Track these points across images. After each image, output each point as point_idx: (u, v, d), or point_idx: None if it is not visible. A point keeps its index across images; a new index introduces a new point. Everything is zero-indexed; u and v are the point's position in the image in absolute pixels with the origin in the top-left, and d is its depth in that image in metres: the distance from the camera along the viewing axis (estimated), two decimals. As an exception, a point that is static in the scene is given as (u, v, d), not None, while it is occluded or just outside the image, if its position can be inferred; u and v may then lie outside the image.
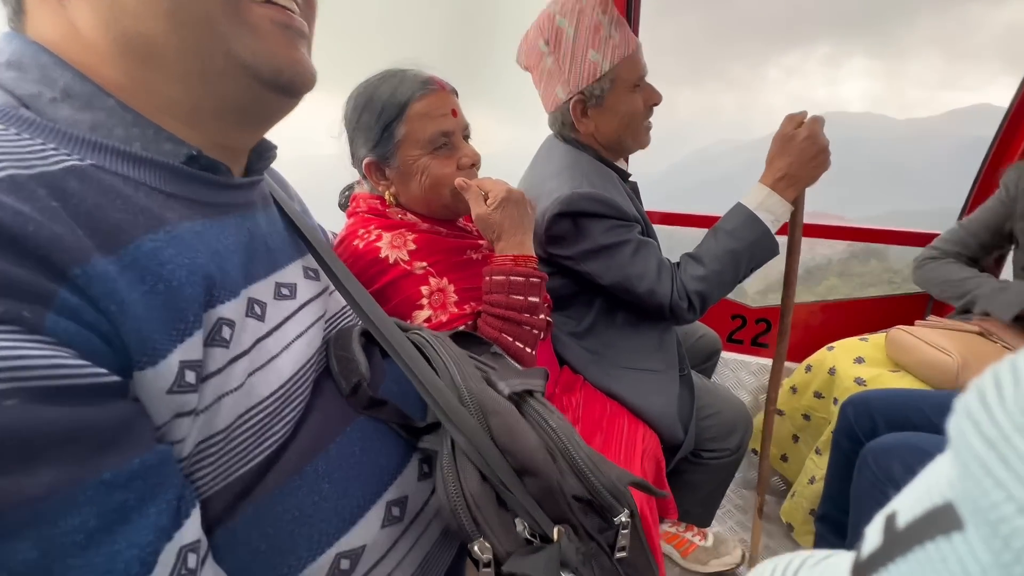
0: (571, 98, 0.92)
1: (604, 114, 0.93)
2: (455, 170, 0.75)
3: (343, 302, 0.52)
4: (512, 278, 0.71)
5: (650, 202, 1.58)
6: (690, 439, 0.97)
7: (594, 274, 0.90)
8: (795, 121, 0.84)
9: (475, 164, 0.77)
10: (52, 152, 0.30)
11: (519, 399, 0.48)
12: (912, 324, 1.18)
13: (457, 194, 0.74)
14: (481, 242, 0.84)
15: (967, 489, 0.13)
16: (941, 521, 0.14)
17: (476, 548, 0.37)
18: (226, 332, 0.35)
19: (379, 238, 0.72)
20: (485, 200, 0.72)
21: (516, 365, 0.60)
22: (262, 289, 0.41)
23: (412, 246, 0.72)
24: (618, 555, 0.43)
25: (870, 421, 0.98)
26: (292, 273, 0.46)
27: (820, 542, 1.06)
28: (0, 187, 0.26)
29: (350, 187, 0.89)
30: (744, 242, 0.86)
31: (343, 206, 0.89)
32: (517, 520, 0.41)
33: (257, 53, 0.35)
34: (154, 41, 0.33)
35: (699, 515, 1.11)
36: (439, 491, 0.40)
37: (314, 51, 0.42)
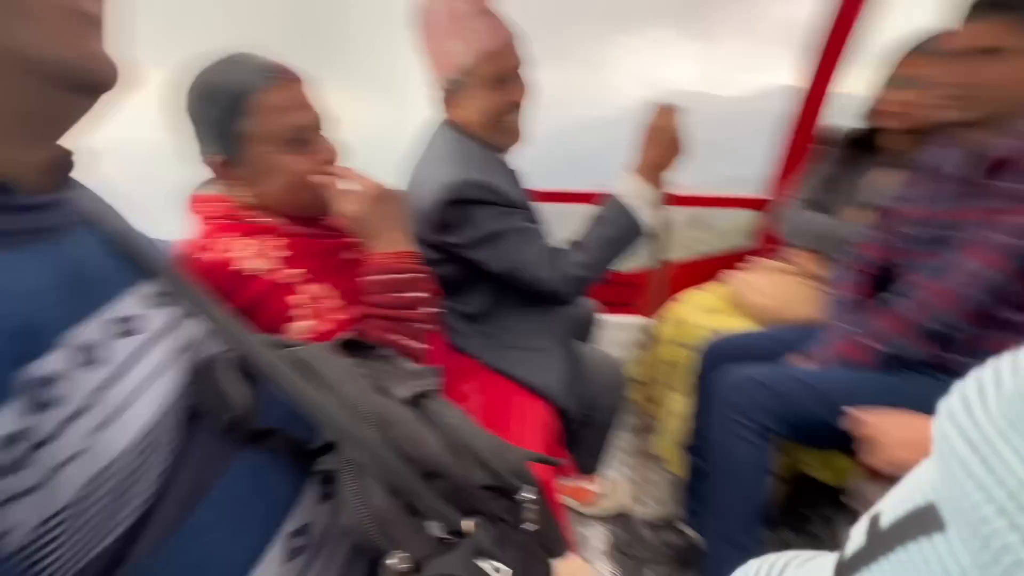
0: (441, 87, 0.92)
1: (468, 105, 0.94)
2: (312, 165, 0.69)
3: (199, 328, 0.46)
4: (393, 277, 0.69)
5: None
6: (581, 395, 1.07)
7: (483, 261, 0.92)
8: (661, 112, 0.92)
9: (334, 159, 0.72)
10: None
11: (415, 402, 0.48)
12: (741, 271, 1.41)
13: (319, 191, 0.69)
14: (353, 240, 0.80)
15: (949, 490, 0.13)
16: (923, 522, 0.14)
17: (391, 562, 0.37)
18: (50, 391, 0.29)
19: (235, 247, 0.65)
20: (351, 197, 0.68)
21: (407, 365, 0.59)
22: (93, 330, 0.34)
23: (280, 253, 0.66)
24: (529, 528, 0.46)
25: (716, 360, 1.16)
26: (131, 304, 0.39)
27: (690, 467, 1.24)
28: None
29: (196, 186, 0.78)
30: (619, 229, 0.94)
31: (186, 209, 0.78)
32: (429, 523, 0.41)
33: (43, 44, 0.29)
34: None
35: (589, 466, 1.23)
36: (343, 512, 0.39)
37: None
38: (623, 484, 1.38)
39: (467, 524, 0.42)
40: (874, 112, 1.24)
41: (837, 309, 1.09)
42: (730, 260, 1.68)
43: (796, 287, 1.28)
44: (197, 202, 0.70)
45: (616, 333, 1.64)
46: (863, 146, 1.30)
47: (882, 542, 0.15)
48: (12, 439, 0.26)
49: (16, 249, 0.31)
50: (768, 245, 1.58)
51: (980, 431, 0.13)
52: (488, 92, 0.91)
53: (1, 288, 0.29)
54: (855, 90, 1.40)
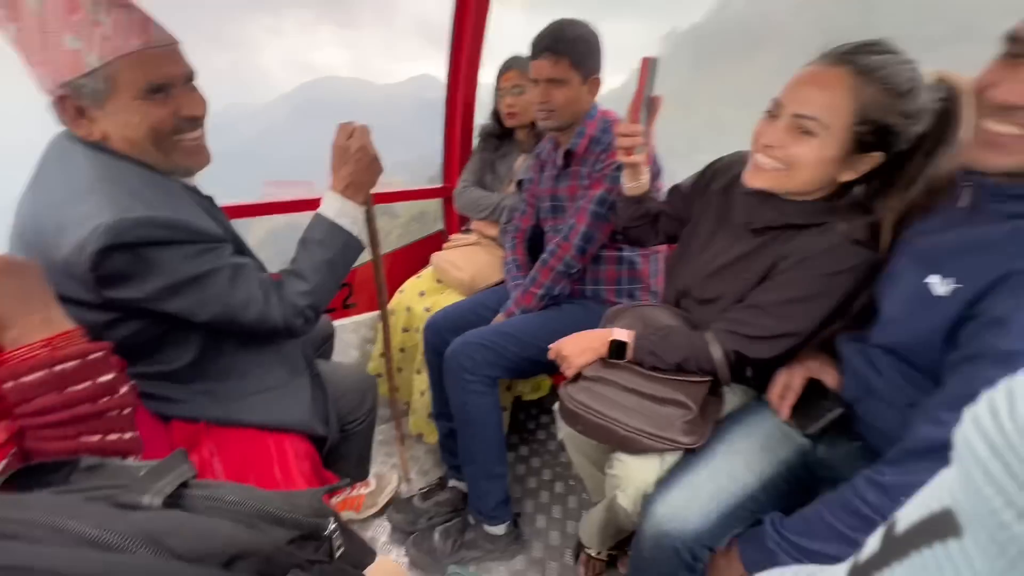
0: (55, 92, 0.69)
1: (112, 122, 0.72)
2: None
3: None
4: (56, 369, 0.53)
5: None
6: (333, 427, 1.03)
7: (184, 312, 0.76)
8: (347, 132, 0.94)
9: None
10: None
11: (176, 499, 0.43)
12: (441, 250, 1.63)
13: None
14: None
15: (968, 496, 0.13)
16: (939, 527, 0.14)
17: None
18: None
19: None
20: None
21: (129, 464, 0.50)
22: None
23: None
24: (339, 555, 0.49)
25: (441, 336, 1.35)
26: None
27: (440, 431, 1.41)
28: None
29: None
30: (335, 249, 0.92)
31: None
32: None
33: None
34: None
35: (358, 474, 1.25)
36: None
37: None
38: (388, 473, 1.46)
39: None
40: (496, 113, 1.62)
41: (510, 270, 1.43)
42: (430, 245, 1.90)
43: (484, 258, 1.58)
44: None
45: (349, 335, 1.66)
46: (505, 136, 1.67)
47: (896, 548, 0.15)
48: None
49: None
50: (455, 226, 1.86)
51: (1005, 437, 0.13)
52: (140, 105, 0.72)
53: None
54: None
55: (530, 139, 1.58)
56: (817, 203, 0.80)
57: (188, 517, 0.40)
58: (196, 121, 0.79)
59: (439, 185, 1.90)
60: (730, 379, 0.87)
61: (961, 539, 0.13)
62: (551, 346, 0.98)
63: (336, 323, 1.42)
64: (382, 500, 1.39)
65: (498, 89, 1.58)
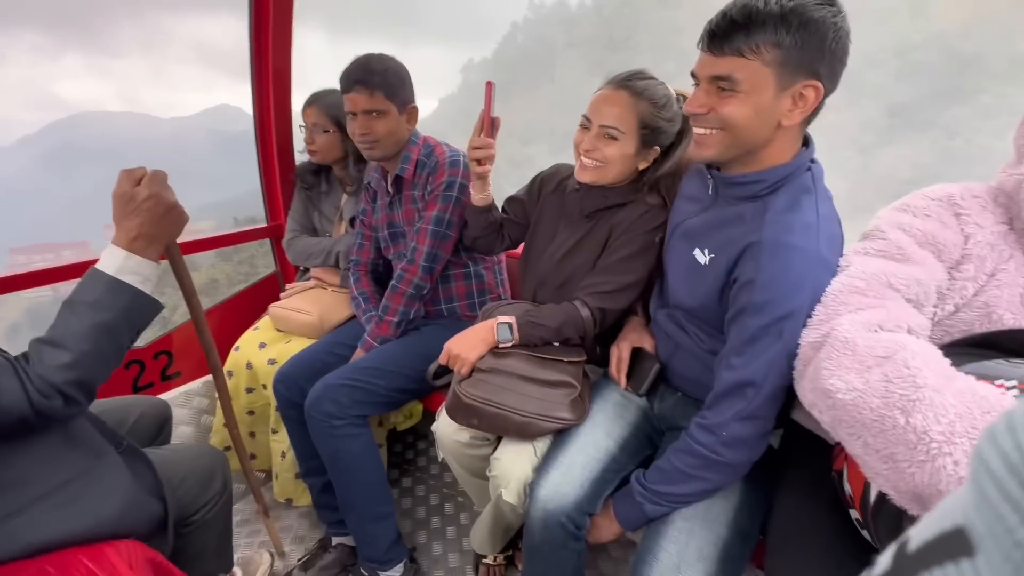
0: None
1: None
2: None
3: None
4: None
5: None
6: (172, 503, 0.88)
7: None
8: (133, 179, 0.79)
9: None
10: None
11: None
12: (279, 299, 1.50)
13: None
14: None
15: (982, 514, 0.13)
16: (951, 547, 0.13)
17: None
18: None
19: None
20: None
21: None
22: None
23: None
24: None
25: (296, 386, 1.25)
26: None
27: (313, 490, 1.30)
28: None
29: None
30: (114, 311, 0.76)
31: None
32: None
33: None
34: None
35: (220, 566, 1.08)
36: None
37: None
38: (255, 555, 1.29)
39: None
40: (310, 152, 1.52)
41: (359, 304, 1.39)
42: (265, 291, 1.73)
43: (328, 297, 1.50)
44: None
45: (179, 410, 1.41)
46: (323, 172, 1.61)
47: (907, 567, 0.15)
48: None
49: None
50: (291, 268, 1.72)
51: (1022, 454, 0.12)
52: None
53: None
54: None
55: (347, 175, 1.54)
56: (627, 186, 1.03)
57: None
58: None
59: (263, 225, 1.75)
60: (596, 339, 1.04)
61: (974, 559, 0.13)
62: (444, 349, 1.03)
63: (166, 397, 1.21)
64: (256, 585, 1.22)
65: (301, 125, 1.51)
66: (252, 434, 1.42)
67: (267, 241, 1.77)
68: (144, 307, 0.81)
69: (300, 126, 1.51)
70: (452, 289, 1.36)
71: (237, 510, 1.44)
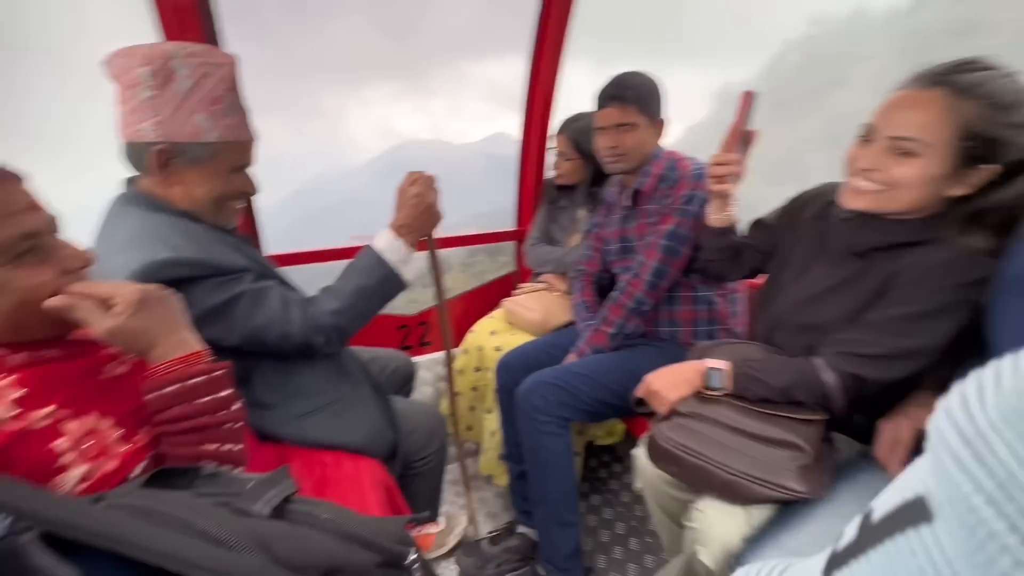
0: (158, 143, 0.82)
1: (191, 176, 0.86)
2: (55, 277, 0.57)
3: None
4: (189, 383, 0.61)
5: (271, 242, 1.56)
6: (403, 439, 1.07)
7: (216, 339, 0.82)
8: (411, 178, 1.01)
9: (85, 264, 0.60)
10: None
11: (280, 511, 0.46)
12: (511, 295, 1.67)
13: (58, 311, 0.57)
14: (114, 352, 0.67)
15: (940, 483, 0.14)
16: (911, 514, 0.14)
17: None
18: None
19: None
20: (108, 309, 0.58)
21: (240, 475, 0.55)
22: None
23: (16, 393, 0.52)
24: (419, 583, 0.50)
25: (513, 375, 1.36)
26: None
27: (511, 473, 1.40)
28: None
29: None
30: (374, 279, 0.96)
31: None
32: None
33: None
34: None
35: (429, 514, 1.26)
36: None
37: None
38: (458, 514, 1.45)
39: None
40: (556, 175, 1.70)
41: (580, 312, 1.43)
42: (503, 286, 1.96)
43: (553, 300, 1.60)
44: None
45: (422, 372, 1.72)
46: (565, 189, 1.73)
47: (872, 535, 0.16)
48: None
49: None
50: (526, 270, 1.91)
51: (975, 426, 0.13)
52: (225, 175, 0.88)
53: None
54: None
55: (583, 196, 1.63)
56: (926, 220, 0.76)
57: (291, 528, 0.43)
58: (247, 196, 0.95)
59: (512, 229, 1.97)
60: (845, 408, 0.79)
61: (932, 524, 0.14)
62: (643, 380, 0.93)
63: (414, 360, 1.48)
64: (451, 541, 1.37)
65: (553, 148, 1.68)
66: (472, 408, 1.61)
67: (500, 259, 2.02)
68: (394, 282, 0.99)
69: (552, 148, 1.68)
70: (677, 312, 1.28)
71: (449, 470, 1.65)
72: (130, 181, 0.90)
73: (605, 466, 1.70)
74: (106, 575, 0.37)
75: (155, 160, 0.82)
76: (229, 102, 0.85)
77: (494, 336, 1.57)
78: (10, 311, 0.54)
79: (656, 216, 1.23)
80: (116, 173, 0.91)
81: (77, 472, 0.53)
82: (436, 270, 1.14)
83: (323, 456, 0.96)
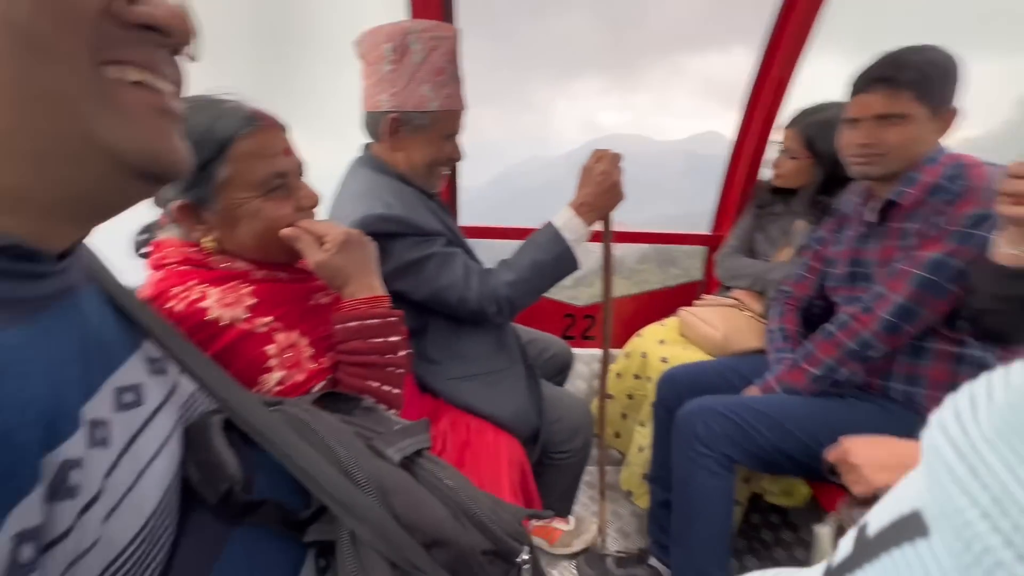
0: (391, 112, 0.93)
1: (413, 143, 0.97)
2: (293, 212, 0.68)
3: (191, 388, 0.43)
4: (368, 322, 0.68)
5: (469, 216, 1.66)
6: (546, 426, 1.07)
7: (406, 292, 0.93)
8: (597, 156, 0.98)
9: (315, 205, 0.71)
10: None
11: (410, 462, 0.47)
12: (691, 305, 1.50)
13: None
14: (321, 285, 0.78)
15: (935, 497, 0.14)
16: (908, 528, 0.14)
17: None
18: (73, 477, 0.26)
19: (203, 296, 0.61)
20: (321, 245, 0.67)
21: (391, 417, 0.58)
22: (101, 403, 0.32)
23: (251, 300, 0.63)
24: (525, 587, 0.45)
25: (676, 392, 1.21)
26: (133, 371, 0.36)
27: (654, 497, 1.27)
28: None
29: (148, 228, 0.73)
30: (550, 255, 0.97)
31: (139, 252, 0.73)
32: None
33: (127, 139, 0.29)
34: None
35: (560, 508, 1.22)
36: None
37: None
38: (588, 519, 1.38)
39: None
40: (774, 175, 1.44)
41: (775, 340, 1.19)
42: (683, 294, 1.78)
43: (741, 320, 1.38)
44: (158, 247, 0.66)
45: (579, 366, 1.67)
46: (781, 193, 1.45)
47: (868, 550, 0.16)
48: (31, 534, 0.23)
49: (40, 316, 0.29)
50: (715, 280, 1.69)
51: (969, 440, 0.13)
52: (439, 142, 0.97)
53: (30, 368, 0.26)
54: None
55: (808, 202, 1.33)
56: None
57: (413, 484, 0.43)
58: (453, 162, 1.04)
59: (706, 232, 1.77)
60: None
61: (929, 539, 0.13)
62: (841, 443, 0.75)
63: (572, 351, 1.44)
64: (577, 545, 1.32)
65: (778, 142, 1.43)
66: (624, 415, 1.51)
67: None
68: (568, 261, 0.98)
69: (775, 144, 1.43)
70: (923, 368, 0.96)
71: (587, 470, 1.59)
72: (366, 147, 1.05)
73: (772, 528, 1.42)
74: (265, 469, 0.41)
75: (387, 127, 0.95)
76: (450, 73, 0.93)
77: (662, 345, 1.43)
78: (258, 234, 0.66)
79: (916, 238, 0.93)
80: (356, 140, 1.08)
81: (276, 375, 0.62)
82: (607, 261, 1.08)
83: (470, 420, 1.00)
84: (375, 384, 0.67)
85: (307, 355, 0.66)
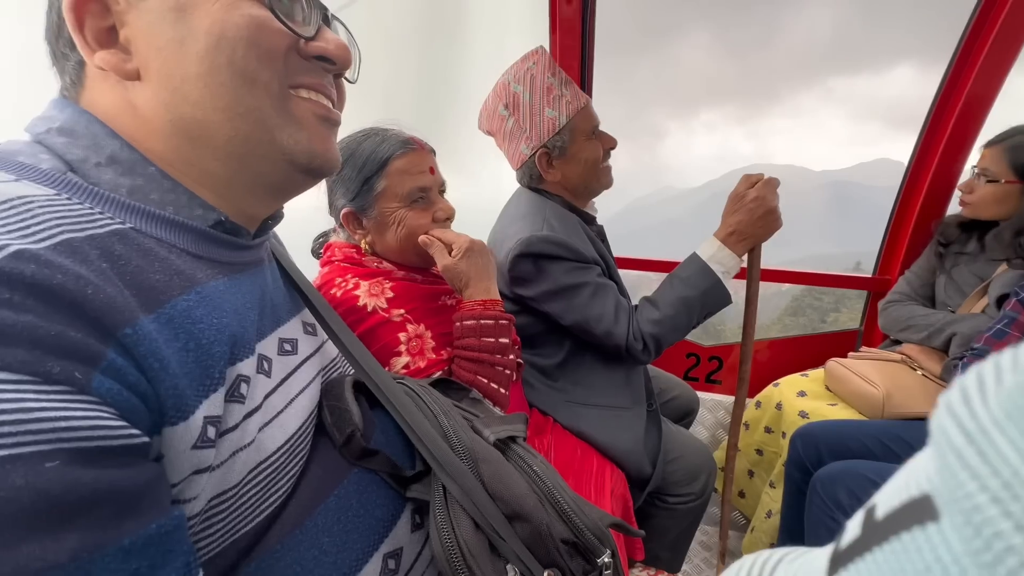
0: (535, 152, 0.99)
1: (568, 163, 1.01)
2: (430, 222, 0.78)
3: (334, 353, 0.53)
4: (482, 322, 0.74)
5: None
6: (658, 474, 1.00)
7: (555, 314, 0.95)
8: (749, 182, 0.93)
9: (449, 217, 0.81)
10: (98, 215, 0.32)
11: (504, 445, 0.50)
12: (845, 356, 1.30)
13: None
14: (450, 289, 0.87)
15: (945, 481, 0.14)
16: (918, 512, 0.14)
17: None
18: (243, 388, 0.35)
19: (356, 286, 0.73)
20: (450, 252, 0.75)
21: (496, 410, 0.62)
22: (269, 345, 0.42)
23: (390, 294, 0.74)
24: (604, 595, 0.44)
25: (816, 452, 1.06)
26: (293, 328, 0.47)
27: (780, 574, 1.10)
28: (58, 250, 0.27)
29: (324, 235, 0.90)
30: (697, 290, 0.92)
31: (316, 253, 0.90)
32: (509, 567, 0.42)
33: (299, 142, 0.39)
34: (207, 127, 0.36)
35: (668, 560, 1.12)
36: (434, 540, 0.41)
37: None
38: (703, 582, 1.24)
39: (546, 574, 0.41)
40: (963, 204, 1.20)
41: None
42: (834, 343, 1.56)
43: (910, 379, 1.15)
44: (329, 248, 0.81)
45: (705, 414, 1.55)
46: (977, 230, 1.20)
47: (876, 533, 0.15)
48: (214, 420, 0.32)
49: (237, 275, 0.40)
50: (878, 333, 1.44)
51: (977, 423, 0.13)
52: (588, 142, 1.00)
53: (231, 305, 0.37)
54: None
55: (1007, 242, 1.08)
56: None
57: (501, 460, 0.46)
58: (609, 151, 1.05)
59: (869, 276, 1.54)
60: None
61: (939, 522, 0.14)
62: None
63: (699, 395, 1.35)
64: (683, 607, 1.19)
65: (973, 167, 1.19)
66: (751, 473, 1.35)
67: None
68: (718, 295, 0.93)
69: (973, 167, 1.19)
70: None
71: (703, 531, 1.43)
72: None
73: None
74: (384, 429, 0.48)
75: (542, 164, 1.01)
76: (558, 84, 0.97)
77: (803, 399, 1.26)
78: (401, 239, 0.77)
79: None
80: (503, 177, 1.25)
81: (403, 360, 0.71)
82: (751, 286, 1.00)
83: (579, 444, 0.99)
84: (484, 380, 0.72)
85: (430, 346, 0.75)
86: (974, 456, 0.13)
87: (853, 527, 0.17)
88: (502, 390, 0.73)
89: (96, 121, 0.35)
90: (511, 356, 0.75)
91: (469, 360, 0.72)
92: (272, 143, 0.38)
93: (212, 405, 0.32)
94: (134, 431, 0.26)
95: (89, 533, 0.23)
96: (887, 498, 0.16)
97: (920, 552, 0.14)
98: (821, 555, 0.19)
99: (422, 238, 0.76)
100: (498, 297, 0.77)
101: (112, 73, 0.35)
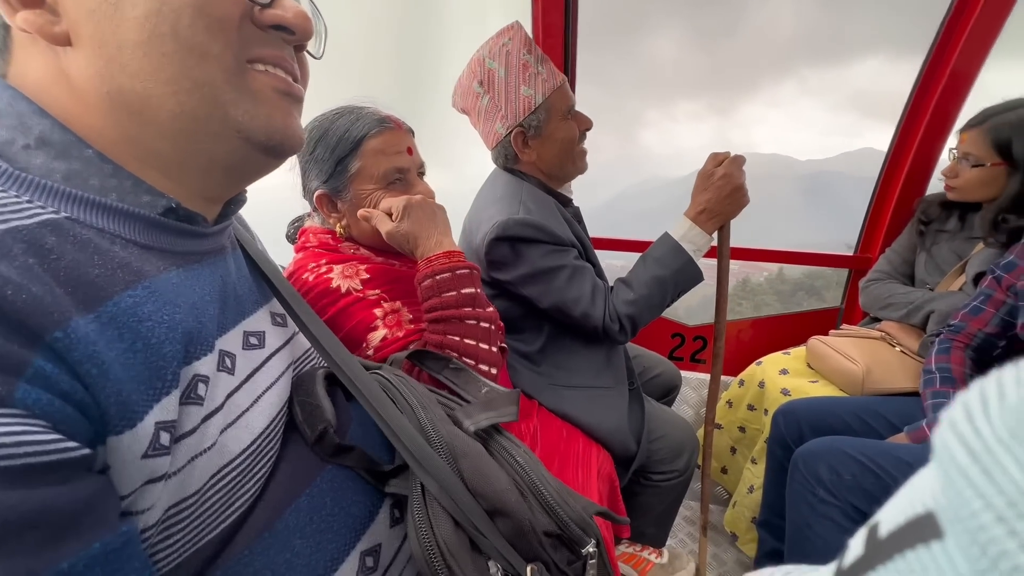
0: (511, 131, 0.96)
1: (544, 142, 0.98)
2: None
3: (307, 344, 0.51)
4: (438, 278, 0.68)
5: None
6: (642, 452, 1.00)
7: (533, 298, 0.94)
8: (717, 160, 0.92)
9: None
10: (26, 204, 0.29)
11: (486, 435, 0.48)
12: (827, 334, 1.31)
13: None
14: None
15: (949, 499, 0.14)
16: (921, 530, 0.14)
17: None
18: (201, 389, 0.33)
19: (330, 270, 0.70)
20: (391, 218, 0.70)
21: (481, 379, 0.59)
22: (232, 340, 0.39)
23: (365, 276, 0.71)
24: (586, 582, 0.44)
25: (797, 429, 1.07)
26: (260, 320, 0.44)
27: (762, 546, 1.12)
28: None
29: (299, 219, 0.87)
30: (669, 269, 0.92)
31: (291, 238, 0.87)
32: (491, 563, 0.41)
33: (255, 118, 0.36)
34: (149, 101, 0.33)
35: (653, 535, 1.14)
36: (412, 540, 0.39)
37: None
38: (688, 559, 1.26)
39: (529, 569, 0.41)
40: (948, 187, 1.20)
41: (933, 382, 0.98)
42: (816, 321, 1.58)
43: (889, 355, 1.17)
44: (304, 233, 0.78)
45: (686, 390, 1.56)
46: (956, 210, 1.21)
47: (880, 551, 0.15)
48: (168, 426, 0.30)
49: (194, 266, 0.37)
50: (858, 311, 1.46)
51: (981, 440, 0.13)
52: (564, 122, 0.97)
53: (185, 299, 0.34)
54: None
55: (988, 221, 1.09)
56: None
57: (483, 454, 0.44)
58: (585, 131, 1.02)
59: (850, 254, 1.55)
60: None
61: (943, 541, 0.13)
62: None
63: (679, 374, 1.35)
64: (669, 581, 1.22)
65: (952, 149, 1.20)
66: (733, 449, 1.37)
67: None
68: (690, 273, 0.93)
69: (951, 150, 1.19)
70: None
71: (687, 506, 1.46)
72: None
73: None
74: (359, 422, 0.46)
75: (517, 143, 0.98)
76: (534, 61, 0.93)
77: (785, 376, 1.28)
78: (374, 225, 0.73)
79: None
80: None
81: (380, 333, 0.68)
82: (722, 263, 1.00)
83: (564, 426, 0.99)
84: (455, 338, 0.67)
85: (407, 319, 0.72)
86: (979, 474, 0.13)
87: (856, 545, 0.17)
88: (482, 345, 0.68)
89: (21, 98, 0.32)
90: (489, 308, 0.71)
91: (435, 322, 0.67)
92: (225, 120, 0.35)
93: (164, 409, 0.29)
94: (70, 444, 0.24)
95: (19, 560, 0.21)
96: (890, 515, 0.16)
97: (925, 571, 0.14)
98: (826, 572, 0.19)
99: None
100: (453, 248, 0.71)
101: (39, 37, 0.31)
